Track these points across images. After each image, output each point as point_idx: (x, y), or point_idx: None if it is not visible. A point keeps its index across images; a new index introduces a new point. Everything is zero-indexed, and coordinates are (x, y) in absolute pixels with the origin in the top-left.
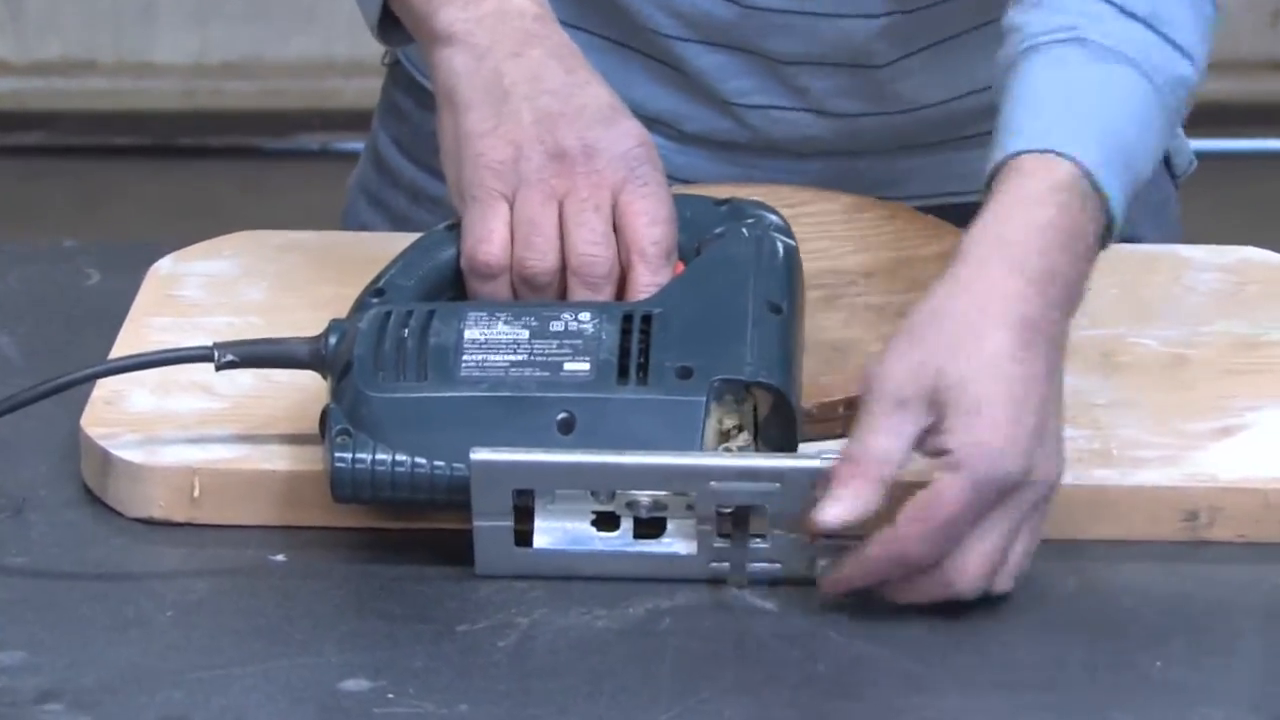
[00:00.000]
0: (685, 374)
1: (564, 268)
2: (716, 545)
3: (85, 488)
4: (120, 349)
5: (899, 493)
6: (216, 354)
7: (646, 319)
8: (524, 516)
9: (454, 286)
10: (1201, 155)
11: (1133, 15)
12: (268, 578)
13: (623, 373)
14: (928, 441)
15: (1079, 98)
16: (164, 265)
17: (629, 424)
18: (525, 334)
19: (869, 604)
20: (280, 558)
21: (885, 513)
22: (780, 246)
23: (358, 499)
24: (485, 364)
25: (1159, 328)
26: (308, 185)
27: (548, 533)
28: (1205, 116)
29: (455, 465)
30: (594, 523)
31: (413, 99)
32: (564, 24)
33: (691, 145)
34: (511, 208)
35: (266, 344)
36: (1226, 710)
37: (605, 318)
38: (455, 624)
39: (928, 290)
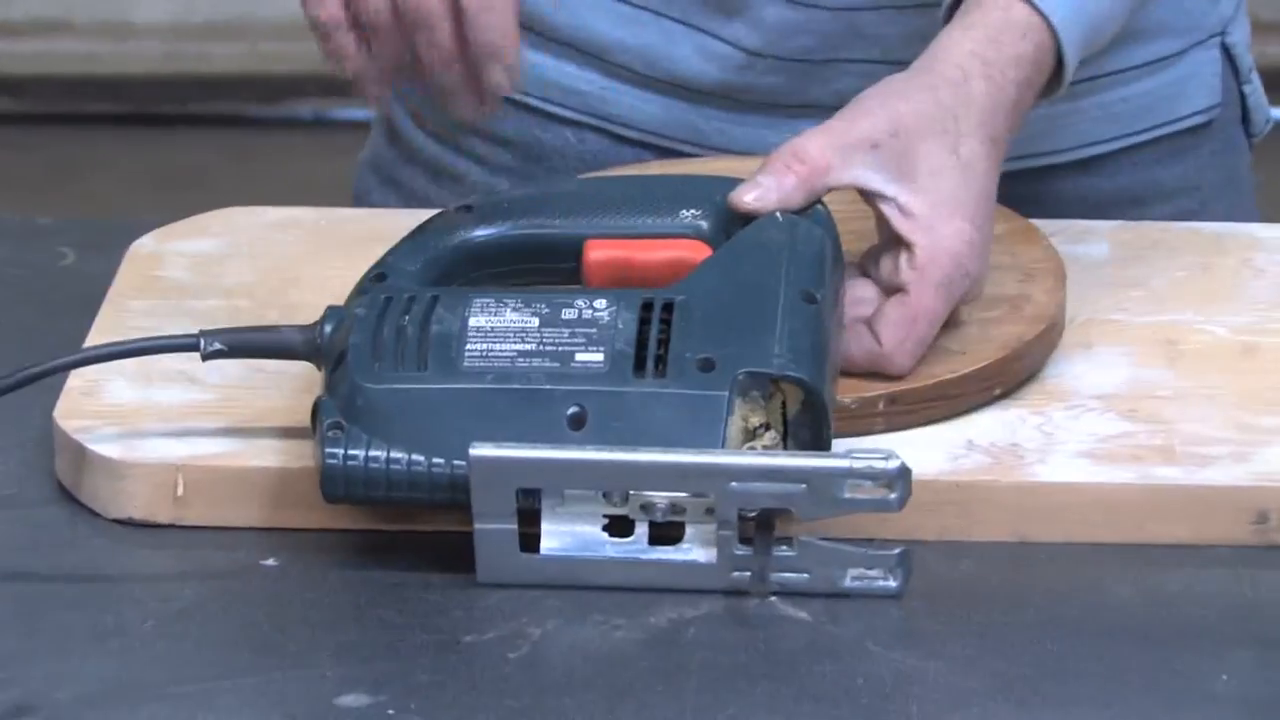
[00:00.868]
0: (707, 366)
1: None
2: (738, 553)
3: (60, 485)
4: (98, 334)
5: None
6: (203, 342)
7: (668, 307)
8: (530, 520)
9: (466, 272)
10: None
11: None
12: (258, 583)
13: (639, 364)
14: (897, 221)
15: None
16: (145, 244)
17: (645, 419)
18: (535, 322)
19: (912, 613)
20: (272, 562)
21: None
22: (818, 233)
23: (350, 498)
24: (490, 353)
25: (1228, 313)
26: (301, 156)
27: (555, 537)
28: None
29: (455, 463)
30: (606, 527)
31: None
32: None
33: (750, 113)
34: None
35: (257, 332)
36: None
37: (623, 305)
38: (462, 634)
39: (914, 66)
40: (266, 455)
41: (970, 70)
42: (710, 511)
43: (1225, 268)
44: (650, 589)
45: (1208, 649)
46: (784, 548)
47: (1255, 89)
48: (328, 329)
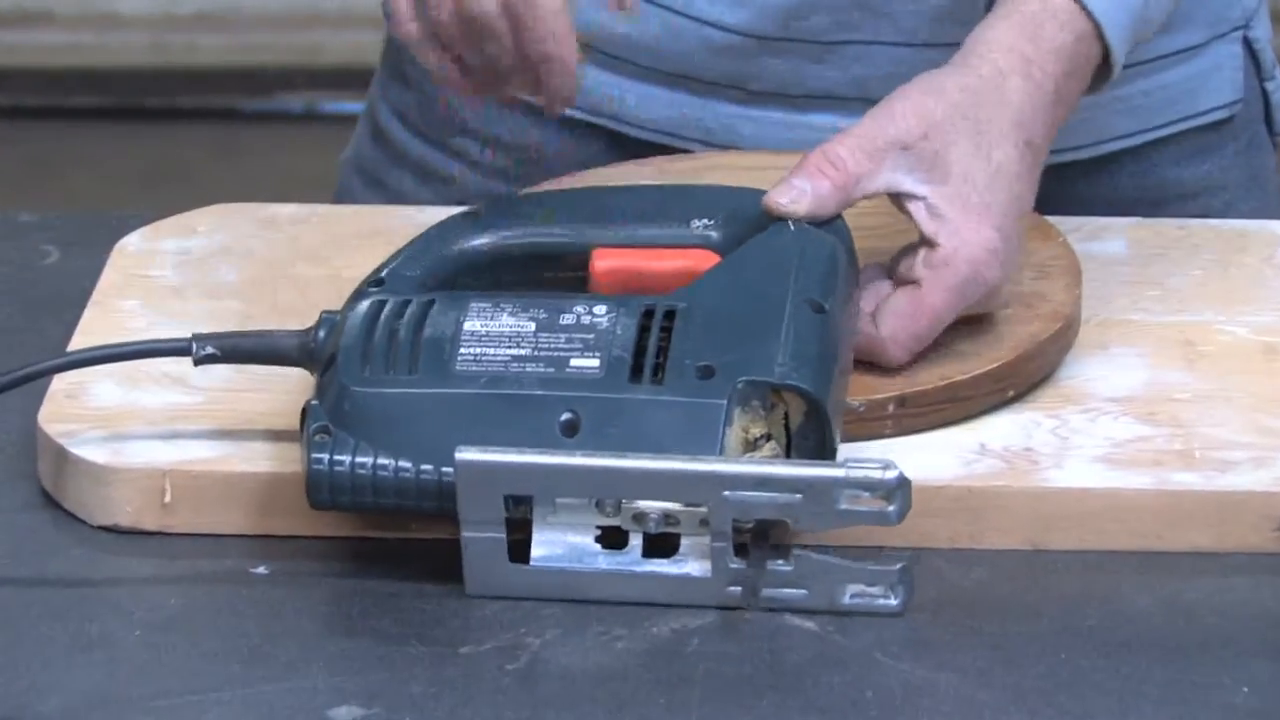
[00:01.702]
0: (707, 374)
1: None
2: (733, 566)
3: (43, 491)
4: (83, 336)
5: None
6: (194, 346)
7: (670, 314)
8: (521, 530)
9: (469, 280)
10: None
11: None
12: (248, 592)
13: (636, 371)
14: (923, 220)
15: None
16: (131, 242)
17: (640, 427)
18: (531, 326)
19: (922, 623)
20: (262, 570)
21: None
22: (830, 241)
23: (336, 505)
24: (483, 358)
25: (1249, 313)
26: (291, 151)
27: (546, 547)
28: None
29: (444, 469)
30: (599, 539)
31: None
32: None
33: (760, 106)
34: None
35: (250, 336)
36: None
37: (623, 311)
38: (458, 645)
39: (951, 62)
40: (256, 460)
41: (1008, 67)
42: (705, 523)
43: (1246, 266)
44: (644, 603)
45: (1228, 660)
46: (780, 562)
47: (1279, 86)
48: (321, 334)
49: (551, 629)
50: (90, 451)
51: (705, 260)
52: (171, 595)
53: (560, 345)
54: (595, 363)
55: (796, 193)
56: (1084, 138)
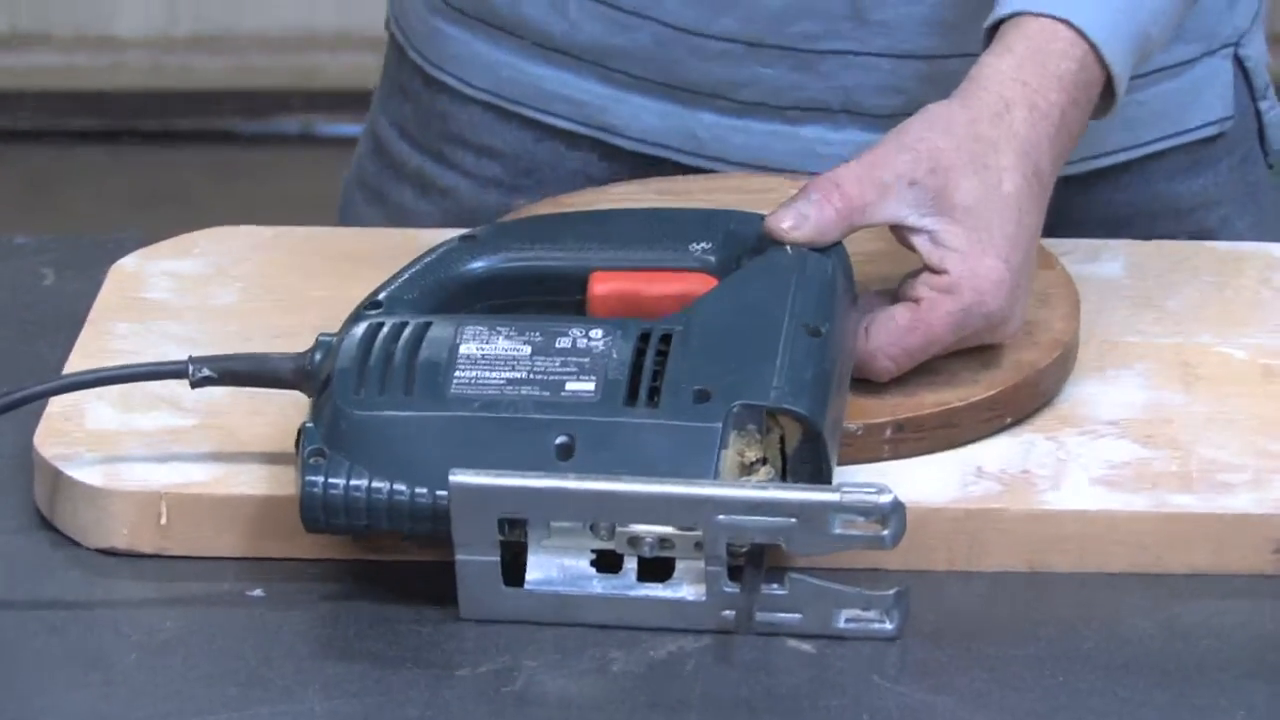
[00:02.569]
0: (702, 397)
1: None
2: (728, 590)
3: (39, 513)
4: (79, 358)
5: None
6: (191, 369)
7: (666, 337)
8: (516, 554)
9: (466, 303)
10: None
11: None
12: (244, 615)
13: (632, 394)
14: (927, 251)
15: None
16: (127, 264)
17: (635, 451)
18: (527, 350)
19: (920, 645)
20: (258, 592)
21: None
22: (828, 265)
23: (331, 527)
24: (479, 381)
25: (1246, 335)
26: (288, 173)
27: (541, 571)
28: None
29: (438, 493)
30: (594, 562)
31: (419, 77)
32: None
33: (749, 116)
34: None
35: (247, 360)
36: None
37: (619, 334)
38: (454, 668)
39: (955, 94)
40: (252, 482)
41: (1012, 98)
42: (700, 546)
43: (1243, 287)
44: (639, 627)
45: (1226, 684)
46: (775, 585)
47: (1272, 106)
48: (317, 356)
49: (547, 652)
50: (86, 474)
51: (703, 283)
52: (167, 618)
53: (556, 368)
54: (591, 386)
55: (799, 218)
56: (1077, 152)
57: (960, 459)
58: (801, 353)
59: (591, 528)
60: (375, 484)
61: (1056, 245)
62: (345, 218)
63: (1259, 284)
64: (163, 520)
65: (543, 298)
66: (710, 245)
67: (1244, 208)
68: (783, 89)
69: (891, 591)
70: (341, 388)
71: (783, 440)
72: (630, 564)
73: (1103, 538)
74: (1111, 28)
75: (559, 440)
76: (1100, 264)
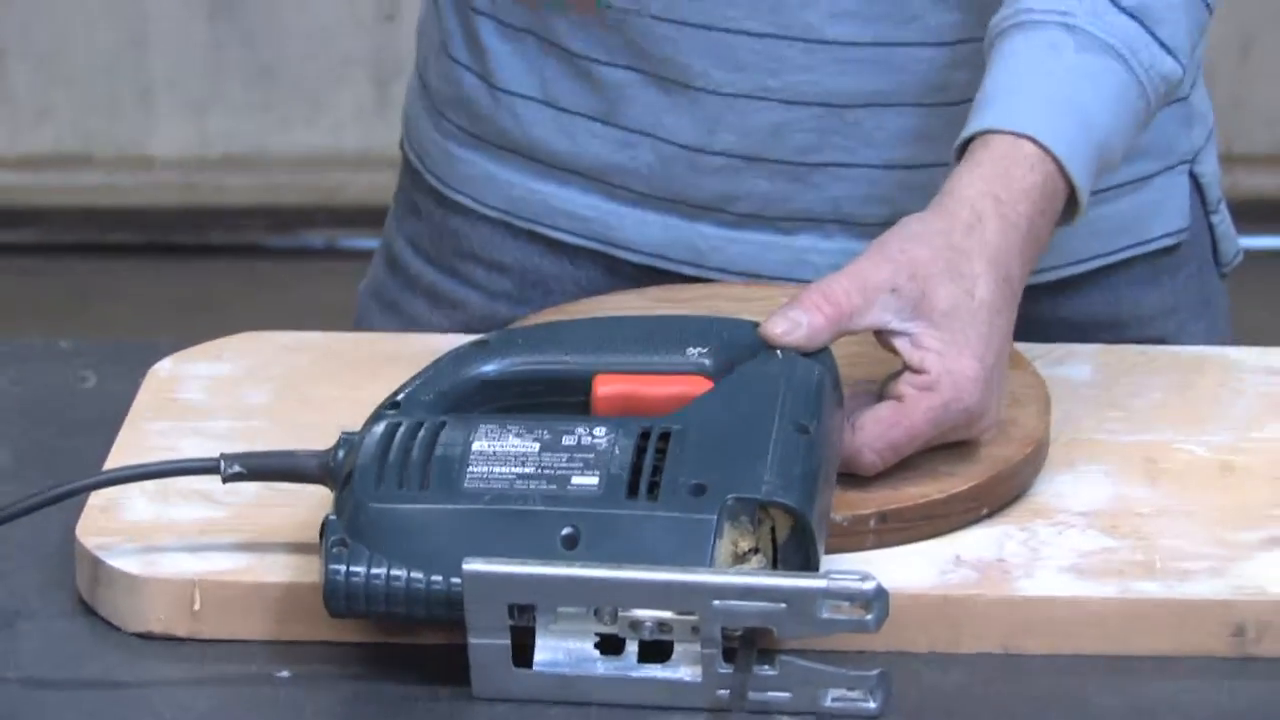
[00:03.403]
0: (698, 491)
1: None
2: (722, 671)
3: (80, 599)
4: (119, 454)
5: None
6: (223, 465)
7: (665, 435)
8: (524, 636)
9: (478, 404)
10: (1256, 252)
11: (1124, 10)
12: (271, 694)
13: (633, 488)
14: (908, 353)
15: (1060, 85)
16: (163, 367)
17: (635, 541)
18: (535, 447)
19: None
20: (285, 673)
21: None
22: (816, 370)
23: (353, 612)
24: (490, 476)
25: (1205, 433)
26: (312, 283)
27: (548, 653)
28: (1258, 211)
29: (453, 580)
30: (598, 645)
31: (432, 197)
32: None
33: (745, 228)
34: None
35: (275, 456)
36: None
37: (621, 432)
38: None
39: (930, 208)
40: (279, 571)
41: (983, 210)
42: (696, 630)
43: (1204, 388)
44: (641, 706)
45: None
46: (766, 667)
47: (1223, 219)
48: (340, 453)
49: None
50: (124, 563)
51: (699, 385)
52: (200, 697)
53: (562, 464)
54: (595, 480)
55: (791, 324)
56: (1046, 261)
57: (940, 548)
58: (791, 449)
59: (595, 612)
60: (394, 572)
61: (1028, 349)
62: (361, 324)
63: (1218, 385)
64: (196, 606)
65: (550, 398)
66: (706, 350)
67: (1199, 315)
68: (776, 201)
69: (875, 672)
70: (363, 482)
71: (774, 531)
72: (632, 646)
73: (1072, 622)
74: (1072, 144)
75: (565, 531)
76: (1069, 366)
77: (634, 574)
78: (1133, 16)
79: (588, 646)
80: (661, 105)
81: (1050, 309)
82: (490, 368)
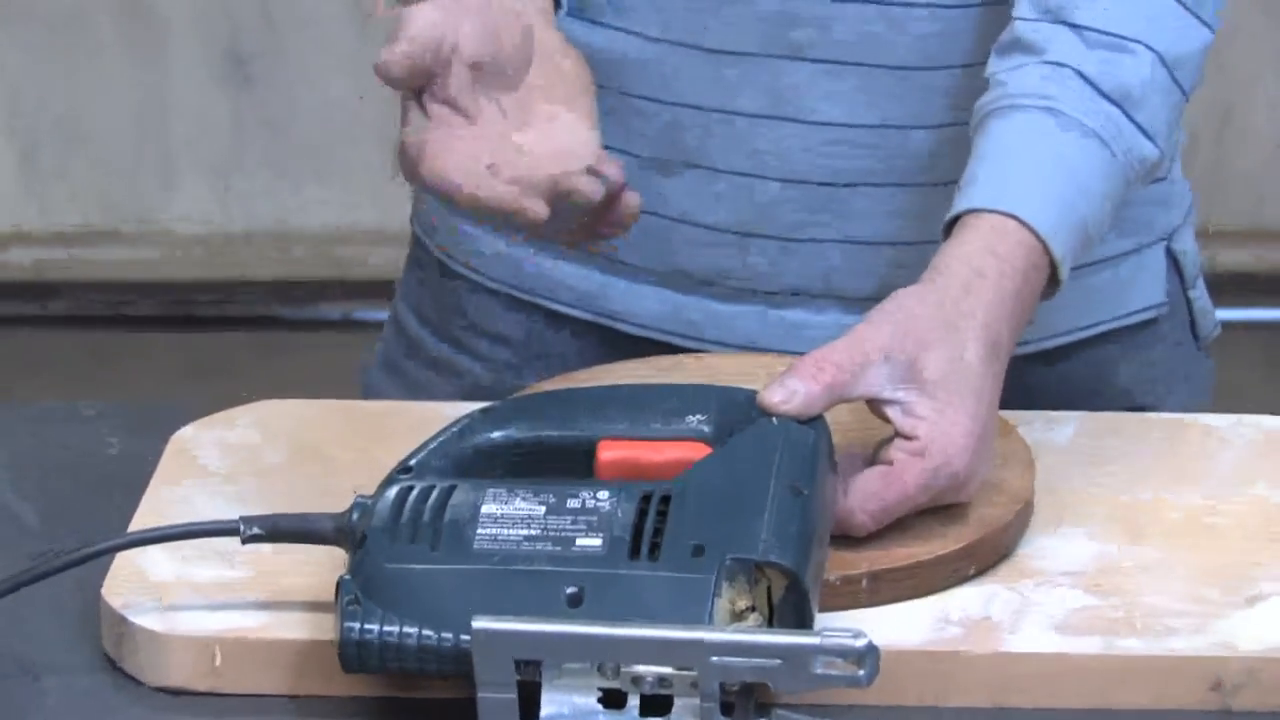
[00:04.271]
0: (697, 552)
1: None
2: None
3: (105, 655)
4: (143, 517)
5: None
6: (242, 527)
7: (666, 498)
8: (531, 691)
9: (486, 469)
10: (1232, 324)
11: (1106, 96)
12: None
13: (635, 549)
14: (899, 420)
15: (1043, 167)
16: (186, 433)
17: (637, 600)
18: (541, 510)
19: None
20: None
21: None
22: (810, 435)
23: (366, 668)
24: (499, 538)
25: (1185, 494)
26: (327, 353)
27: (554, 706)
28: (1235, 285)
29: (462, 637)
30: (601, 699)
31: (436, 268)
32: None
33: (740, 301)
34: None
35: (292, 519)
36: None
37: (624, 496)
38: None
39: (922, 280)
40: (295, 628)
41: (969, 284)
42: (695, 685)
43: (1182, 452)
44: None
45: None
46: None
47: (1201, 295)
48: (354, 516)
49: None
50: (148, 620)
51: (698, 451)
52: None
53: (567, 526)
54: (598, 542)
55: (788, 393)
56: (1031, 333)
57: (929, 606)
58: (786, 511)
59: (599, 668)
60: (406, 629)
61: (1014, 416)
62: (368, 388)
63: (1196, 449)
64: (216, 662)
65: (556, 463)
66: (705, 417)
67: (1177, 386)
68: (768, 275)
69: None
70: (376, 543)
71: (770, 590)
72: (633, 701)
73: (1058, 677)
74: (1055, 224)
75: (570, 590)
76: (1053, 431)
77: (636, 631)
78: (1114, 102)
79: (591, 701)
80: (656, 183)
81: (1033, 379)
82: (498, 434)
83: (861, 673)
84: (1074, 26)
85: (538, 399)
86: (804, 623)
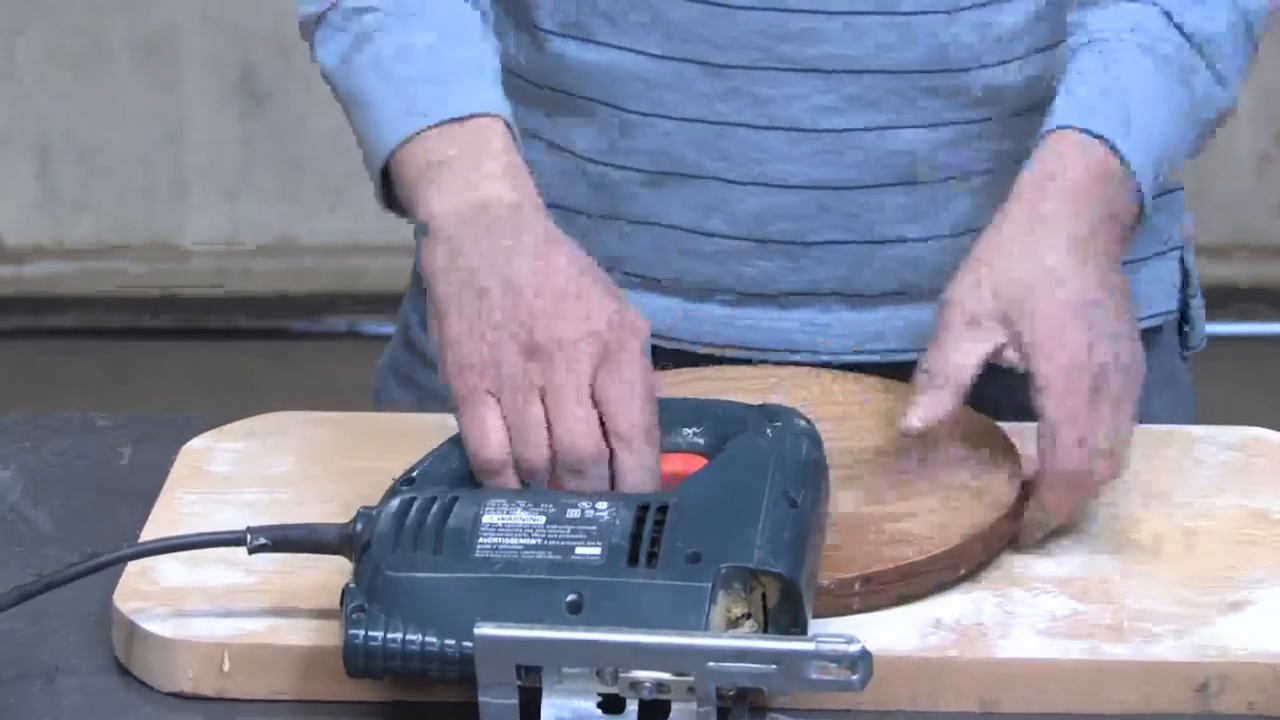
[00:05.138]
0: (694, 559)
1: None
2: None
3: (116, 659)
4: (154, 525)
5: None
6: (249, 537)
7: (663, 508)
8: (532, 695)
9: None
10: (1216, 338)
11: (1187, 37)
12: None
13: (633, 558)
14: (1014, 361)
15: (1126, 91)
16: (196, 444)
17: (635, 607)
18: (541, 520)
19: None
20: None
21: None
22: (804, 446)
23: (370, 673)
24: (500, 546)
25: (1169, 503)
26: (335, 364)
27: (554, 711)
28: (1217, 297)
29: (464, 643)
30: (600, 704)
31: None
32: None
33: (748, 305)
34: (501, 403)
35: (298, 529)
36: None
37: (621, 506)
38: None
39: (991, 223)
40: (302, 634)
41: (1031, 195)
42: (692, 690)
43: (1167, 461)
44: None
45: None
46: None
47: (1199, 305)
48: (359, 526)
49: None
50: (158, 626)
51: (693, 462)
52: None
53: (567, 535)
54: (597, 550)
55: (923, 410)
56: None
57: (921, 612)
58: (780, 520)
59: (598, 673)
60: (409, 635)
61: (1006, 428)
62: (379, 399)
63: (1180, 457)
64: (225, 667)
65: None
66: (700, 430)
67: (1162, 392)
68: (775, 278)
69: None
70: (380, 552)
71: (764, 596)
72: (632, 706)
73: (1046, 681)
74: (1111, 120)
75: (569, 598)
76: None
77: (634, 638)
78: (1195, 47)
79: (590, 705)
80: (657, 195)
81: (1022, 392)
82: None
83: (855, 677)
84: None
85: None
86: (798, 628)
